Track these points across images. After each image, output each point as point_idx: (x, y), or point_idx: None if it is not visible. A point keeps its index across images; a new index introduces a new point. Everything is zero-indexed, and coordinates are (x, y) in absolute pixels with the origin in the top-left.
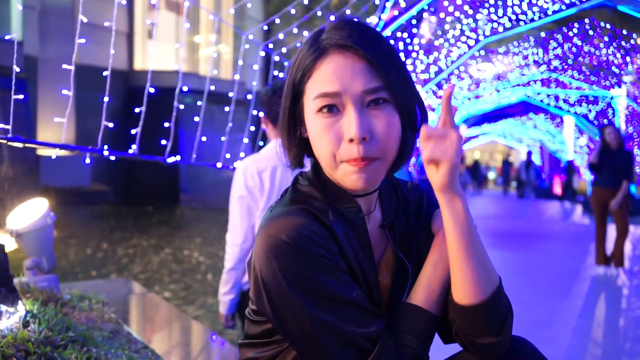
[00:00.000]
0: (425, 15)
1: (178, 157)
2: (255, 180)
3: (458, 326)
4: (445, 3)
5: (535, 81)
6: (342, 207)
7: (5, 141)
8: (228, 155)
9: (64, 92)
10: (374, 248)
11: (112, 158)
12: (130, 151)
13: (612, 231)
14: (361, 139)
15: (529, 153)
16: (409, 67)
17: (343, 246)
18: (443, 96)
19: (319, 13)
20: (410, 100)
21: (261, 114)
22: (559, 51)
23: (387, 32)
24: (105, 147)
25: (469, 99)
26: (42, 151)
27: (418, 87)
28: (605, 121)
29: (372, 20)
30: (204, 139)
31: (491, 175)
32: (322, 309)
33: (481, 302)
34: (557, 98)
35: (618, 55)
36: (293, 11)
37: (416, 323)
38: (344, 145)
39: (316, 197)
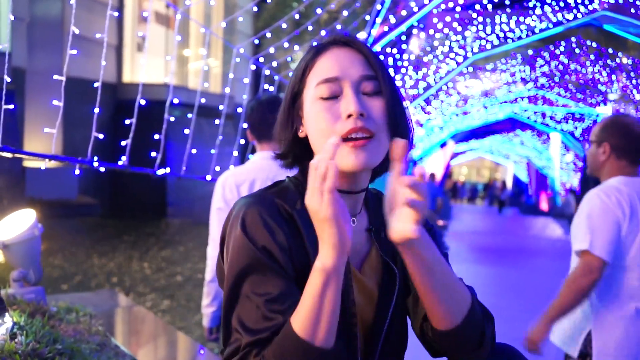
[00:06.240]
0: (414, 31)
1: (168, 169)
2: (234, 193)
3: (439, 345)
4: (435, 20)
5: (522, 98)
6: None
7: None
8: (218, 168)
9: (55, 102)
10: (356, 250)
11: (102, 169)
12: (120, 163)
13: None
14: (359, 114)
15: None
16: (398, 83)
17: (305, 238)
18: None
19: (310, 28)
20: (399, 107)
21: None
22: (545, 69)
23: (376, 48)
24: (95, 158)
25: (456, 115)
26: (29, 163)
27: (406, 103)
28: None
29: (361, 35)
30: (193, 151)
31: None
32: (243, 292)
33: (454, 327)
34: (543, 115)
35: (604, 73)
36: (284, 25)
37: (284, 345)
38: (341, 121)
39: (292, 189)
